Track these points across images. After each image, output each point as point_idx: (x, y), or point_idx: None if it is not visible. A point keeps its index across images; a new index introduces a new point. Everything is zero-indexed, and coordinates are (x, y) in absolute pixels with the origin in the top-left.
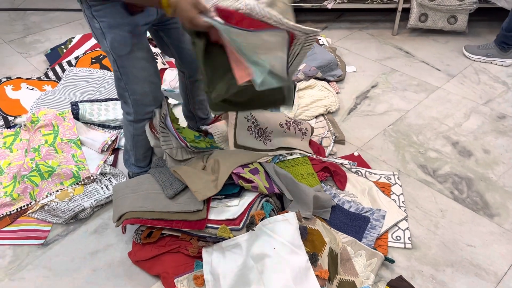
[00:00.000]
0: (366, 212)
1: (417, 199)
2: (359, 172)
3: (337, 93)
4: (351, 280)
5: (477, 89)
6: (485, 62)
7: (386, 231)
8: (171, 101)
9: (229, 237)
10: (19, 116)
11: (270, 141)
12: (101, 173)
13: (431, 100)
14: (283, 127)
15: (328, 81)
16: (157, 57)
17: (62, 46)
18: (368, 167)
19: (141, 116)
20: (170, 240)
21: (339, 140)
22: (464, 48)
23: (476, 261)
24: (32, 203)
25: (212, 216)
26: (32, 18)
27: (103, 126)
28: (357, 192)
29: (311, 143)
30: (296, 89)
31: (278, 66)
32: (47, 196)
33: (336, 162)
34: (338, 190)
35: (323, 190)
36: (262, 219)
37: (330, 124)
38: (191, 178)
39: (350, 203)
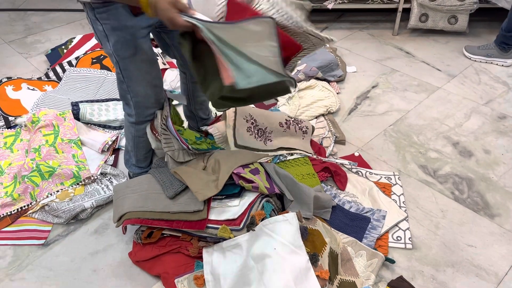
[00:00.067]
0: (366, 212)
1: (418, 200)
2: (359, 173)
3: (337, 93)
4: (351, 280)
5: (478, 90)
6: (486, 62)
7: (387, 232)
8: (175, 102)
9: (230, 237)
10: (19, 116)
11: (270, 141)
12: (101, 173)
13: (432, 101)
14: (283, 126)
15: (328, 82)
16: (157, 57)
17: (63, 47)
18: (369, 167)
19: (142, 118)
20: (170, 241)
21: (340, 141)
22: (465, 49)
23: (477, 261)
24: (32, 203)
25: (212, 216)
26: (33, 19)
27: (104, 126)
28: (358, 193)
29: (312, 143)
30: (297, 89)
31: (268, 57)
32: (47, 196)
33: (336, 162)
34: (339, 191)
35: (323, 191)
36: (262, 219)
37: (330, 124)
38: (192, 178)
39: (350, 203)
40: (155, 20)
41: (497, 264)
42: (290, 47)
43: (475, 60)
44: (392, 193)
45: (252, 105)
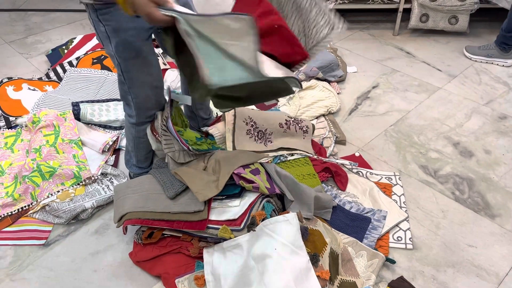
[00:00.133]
0: (367, 212)
1: (418, 200)
2: (360, 173)
3: (338, 93)
4: (352, 280)
5: (478, 90)
6: (486, 62)
7: (387, 232)
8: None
9: (230, 238)
10: (20, 116)
11: (271, 142)
12: (102, 174)
13: (432, 101)
14: (283, 127)
15: (329, 82)
16: (158, 57)
17: (63, 47)
18: (369, 167)
19: (143, 119)
20: (171, 241)
21: (340, 141)
22: (465, 49)
23: (477, 261)
24: (33, 204)
25: (213, 216)
26: (33, 19)
27: (104, 126)
28: (358, 193)
29: (312, 143)
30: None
31: (245, 56)
32: (48, 197)
33: (337, 163)
34: (339, 191)
35: (324, 191)
36: (263, 220)
37: (331, 125)
38: (192, 178)
39: (351, 203)
40: None
41: (498, 265)
42: (296, 53)
43: (475, 60)
44: (393, 193)
45: (253, 106)
